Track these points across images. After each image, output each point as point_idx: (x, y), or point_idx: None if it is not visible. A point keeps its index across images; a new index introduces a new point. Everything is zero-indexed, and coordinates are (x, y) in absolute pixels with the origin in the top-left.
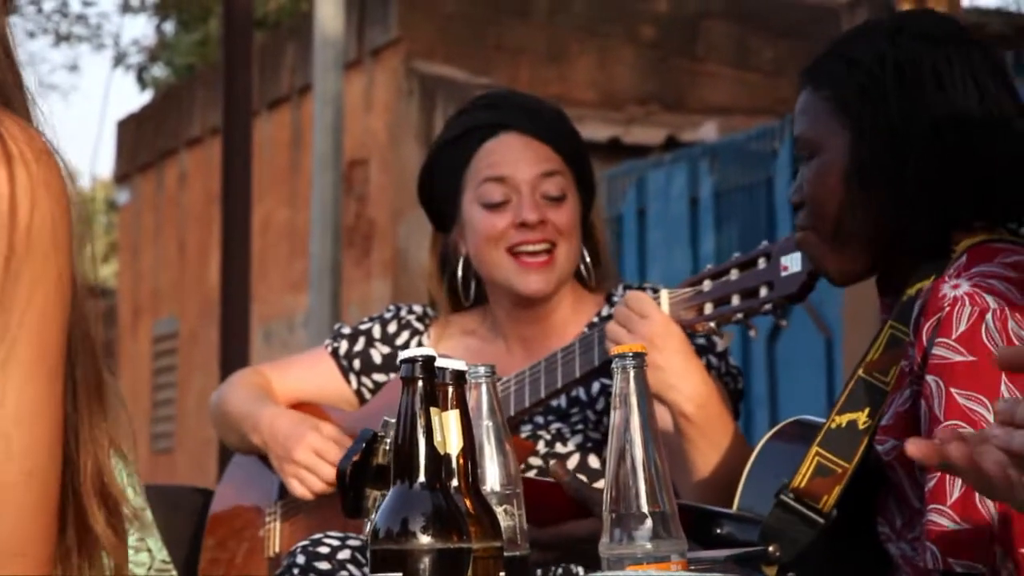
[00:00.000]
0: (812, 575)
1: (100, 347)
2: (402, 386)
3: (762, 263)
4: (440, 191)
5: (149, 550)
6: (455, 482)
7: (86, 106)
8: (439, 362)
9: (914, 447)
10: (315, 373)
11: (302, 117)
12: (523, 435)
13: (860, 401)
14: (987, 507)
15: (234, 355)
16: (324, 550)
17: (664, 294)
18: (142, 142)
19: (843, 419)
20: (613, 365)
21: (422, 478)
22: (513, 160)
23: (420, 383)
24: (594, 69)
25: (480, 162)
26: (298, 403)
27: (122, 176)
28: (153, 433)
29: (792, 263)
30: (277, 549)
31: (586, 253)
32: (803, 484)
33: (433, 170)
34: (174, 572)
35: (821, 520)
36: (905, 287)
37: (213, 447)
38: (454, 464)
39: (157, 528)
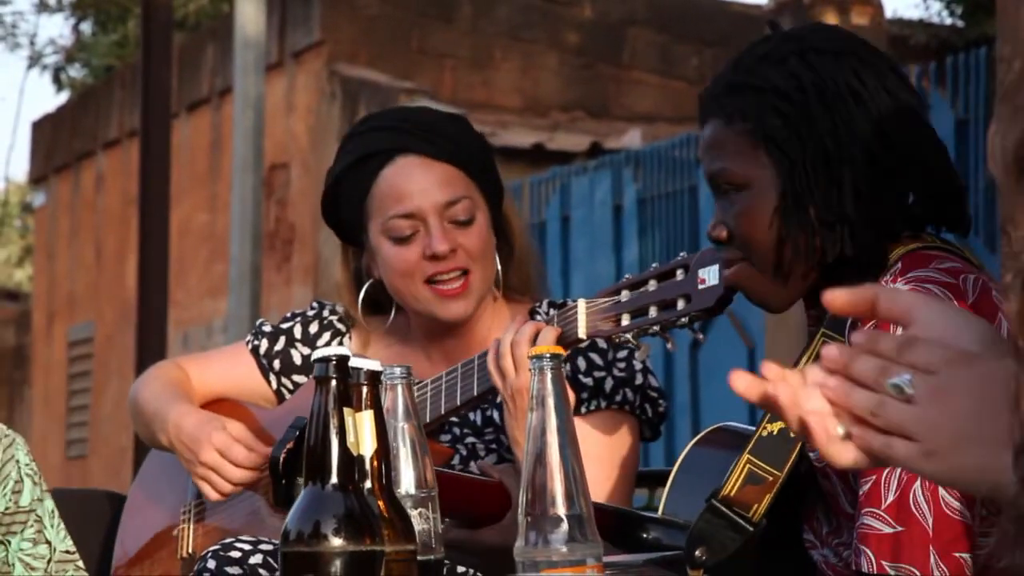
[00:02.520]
0: None
1: None
2: (315, 386)
3: (680, 274)
4: (345, 217)
5: (48, 542)
6: (368, 484)
7: (1, 107)
8: (354, 362)
9: (740, 382)
10: (235, 369)
11: (222, 119)
12: (442, 443)
13: None
14: (921, 511)
15: (151, 360)
16: (235, 554)
17: (581, 304)
18: (58, 144)
19: (774, 427)
20: (531, 367)
21: (334, 479)
22: (415, 190)
23: (333, 383)
24: (518, 75)
25: (382, 192)
26: (217, 398)
27: (38, 178)
28: (68, 439)
29: (710, 276)
30: (190, 549)
31: (498, 260)
32: (733, 492)
33: (335, 196)
34: (79, 561)
35: (750, 528)
36: None
37: (128, 453)
38: (368, 466)
39: (66, 527)
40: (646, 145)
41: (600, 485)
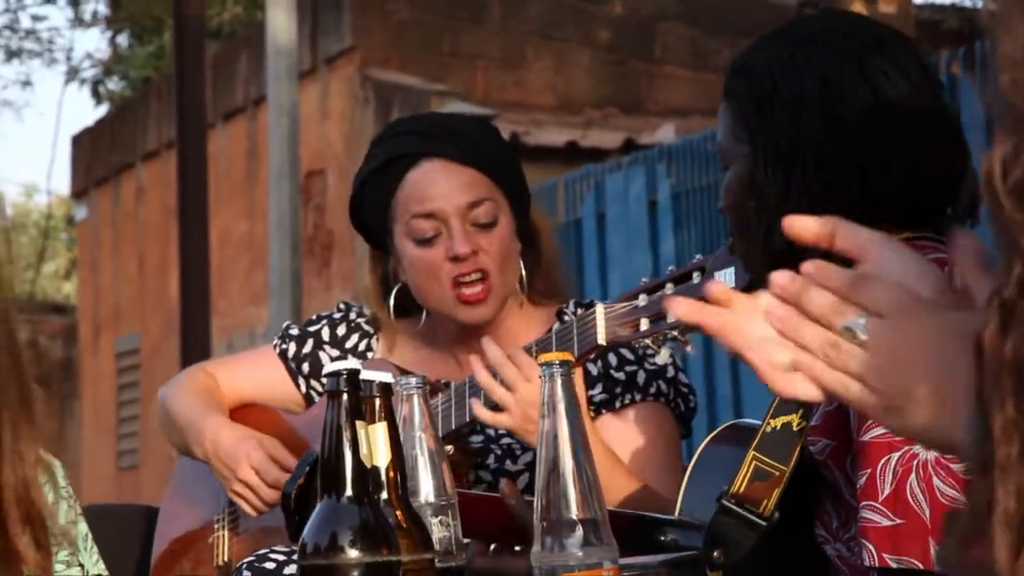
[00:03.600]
0: None
1: (30, 363)
2: (327, 400)
3: (696, 277)
4: (371, 222)
5: (81, 565)
6: (384, 495)
7: (40, 122)
8: (365, 375)
9: (678, 307)
10: (263, 374)
11: (257, 128)
12: (476, 445)
13: (792, 403)
14: (918, 502)
15: None
16: (270, 566)
17: (599, 309)
18: (98, 157)
19: (778, 422)
20: (541, 374)
21: (349, 492)
22: (438, 192)
23: (345, 396)
24: (550, 74)
25: (406, 195)
26: (246, 403)
27: (79, 192)
28: (119, 450)
29: (726, 278)
30: (226, 557)
31: (522, 265)
32: (742, 489)
33: (361, 200)
34: None
35: (763, 523)
36: None
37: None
38: (383, 477)
39: (98, 546)
40: (679, 139)
41: (650, 476)
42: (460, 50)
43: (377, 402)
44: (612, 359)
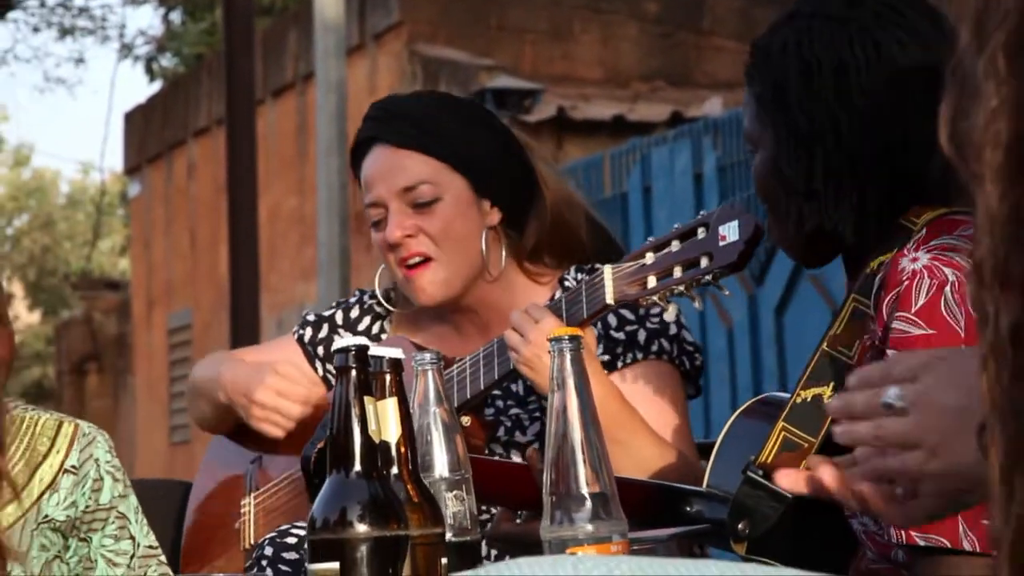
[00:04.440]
0: (779, 550)
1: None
2: (336, 376)
3: (701, 232)
4: None
5: (132, 537)
6: (395, 470)
7: (93, 100)
8: (375, 351)
9: (786, 481)
10: (285, 358)
11: (307, 104)
12: (488, 418)
13: (825, 375)
14: (952, 312)
15: (246, 345)
16: (291, 540)
17: (607, 269)
18: (150, 134)
19: (808, 393)
20: (550, 349)
21: (358, 467)
22: (378, 178)
23: (353, 372)
24: (598, 47)
25: (362, 181)
26: None
27: (132, 168)
28: (171, 425)
29: (730, 232)
30: (252, 540)
31: (486, 238)
32: (770, 459)
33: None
34: (162, 556)
35: (788, 496)
36: (867, 258)
37: None
38: (394, 452)
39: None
40: (726, 112)
41: (658, 433)
42: (507, 24)
43: (387, 378)
44: (612, 319)
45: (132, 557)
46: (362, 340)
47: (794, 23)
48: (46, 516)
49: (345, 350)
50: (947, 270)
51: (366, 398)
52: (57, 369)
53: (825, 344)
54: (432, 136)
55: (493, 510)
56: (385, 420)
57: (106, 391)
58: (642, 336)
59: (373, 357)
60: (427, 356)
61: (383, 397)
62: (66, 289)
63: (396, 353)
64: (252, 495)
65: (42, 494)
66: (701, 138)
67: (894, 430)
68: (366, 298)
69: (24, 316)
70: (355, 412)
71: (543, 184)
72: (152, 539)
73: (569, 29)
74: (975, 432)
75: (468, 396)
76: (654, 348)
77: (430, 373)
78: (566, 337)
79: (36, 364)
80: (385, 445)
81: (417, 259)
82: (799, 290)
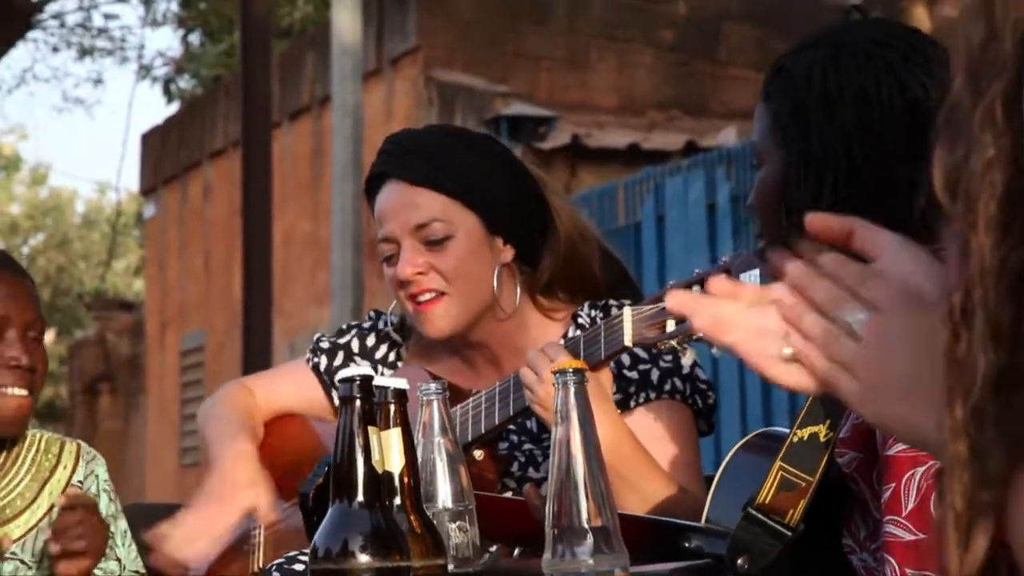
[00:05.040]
0: None
1: None
2: (340, 406)
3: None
4: None
5: (118, 559)
6: (398, 500)
7: (111, 120)
8: (379, 381)
9: (672, 299)
10: (299, 387)
11: (323, 128)
12: (502, 452)
13: (820, 414)
14: None
15: (258, 368)
16: (299, 567)
17: (627, 311)
18: (166, 155)
19: (804, 432)
20: (554, 382)
21: (360, 497)
22: (391, 215)
23: (358, 402)
24: (614, 75)
25: (376, 216)
26: (283, 414)
27: (148, 189)
28: (182, 447)
29: (751, 280)
30: (261, 565)
31: (497, 276)
32: (768, 499)
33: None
34: None
35: (788, 533)
36: None
37: None
38: (397, 482)
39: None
40: (740, 142)
41: (669, 473)
42: (524, 51)
43: (391, 408)
44: (625, 358)
45: None
46: (366, 370)
47: (820, 50)
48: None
49: (349, 380)
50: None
51: (370, 428)
52: (70, 389)
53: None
54: (445, 172)
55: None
56: (389, 450)
57: (118, 412)
58: (655, 375)
59: (377, 387)
60: (432, 386)
61: (387, 427)
62: (80, 309)
63: (400, 383)
64: None
65: (52, 506)
66: (715, 168)
67: (841, 351)
68: (381, 324)
69: None
70: (359, 442)
71: (557, 218)
72: (139, 565)
73: (585, 57)
74: (926, 403)
75: (483, 431)
76: (667, 387)
77: (435, 403)
78: (571, 370)
79: (49, 383)
80: (388, 475)
81: (428, 295)
82: None
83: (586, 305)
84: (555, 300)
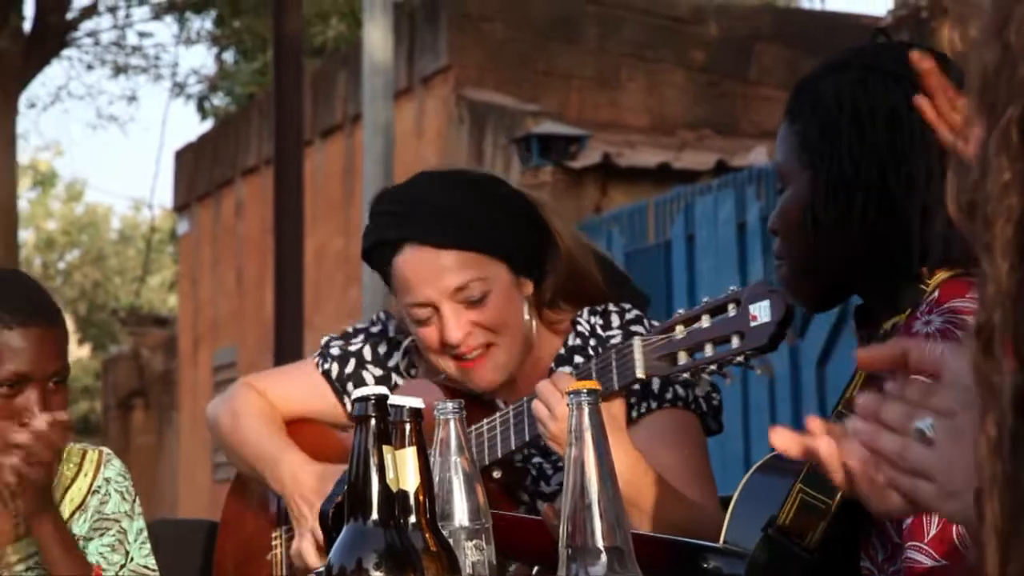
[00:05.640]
0: None
1: None
2: (355, 425)
3: (732, 310)
4: (384, 283)
5: (127, 552)
6: (413, 518)
7: (145, 137)
8: (395, 400)
9: (778, 439)
10: (312, 393)
11: (355, 146)
12: (516, 464)
13: None
14: (964, 544)
15: None
16: None
17: (637, 343)
18: (199, 172)
19: None
20: (568, 403)
21: (375, 515)
22: (424, 281)
23: (373, 422)
24: (645, 94)
25: (396, 280)
26: (299, 420)
27: (181, 206)
28: (215, 463)
29: (761, 312)
30: (283, 572)
31: (526, 311)
32: (787, 521)
33: (370, 263)
34: None
35: (807, 555)
36: (880, 320)
37: None
38: (412, 501)
39: (161, 557)
40: (770, 162)
41: (680, 486)
42: (555, 70)
43: (407, 427)
44: None
45: (121, 567)
46: (382, 389)
47: (848, 72)
48: (74, 536)
49: (364, 399)
50: (961, 335)
51: (385, 447)
52: (104, 404)
53: (840, 406)
54: (465, 229)
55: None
56: (404, 469)
57: (151, 427)
58: (656, 384)
59: (393, 406)
60: (449, 405)
61: (402, 446)
62: (115, 324)
63: (416, 403)
64: (283, 527)
65: (72, 514)
66: (745, 187)
67: (917, 458)
68: (391, 330)
69: (74, 350)
70: (373, 461)
71: (558, 237)
72: (152, 563)
73: (616, 76)
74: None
75: (499, 455)
76: (668, 396)
77: (452, 422)
78: (584, 391)
79: (84, 398)
80: (403, 494)
81: (476, 352)
82: (841, 343)
83: (585, 311)
84: (558, 311)
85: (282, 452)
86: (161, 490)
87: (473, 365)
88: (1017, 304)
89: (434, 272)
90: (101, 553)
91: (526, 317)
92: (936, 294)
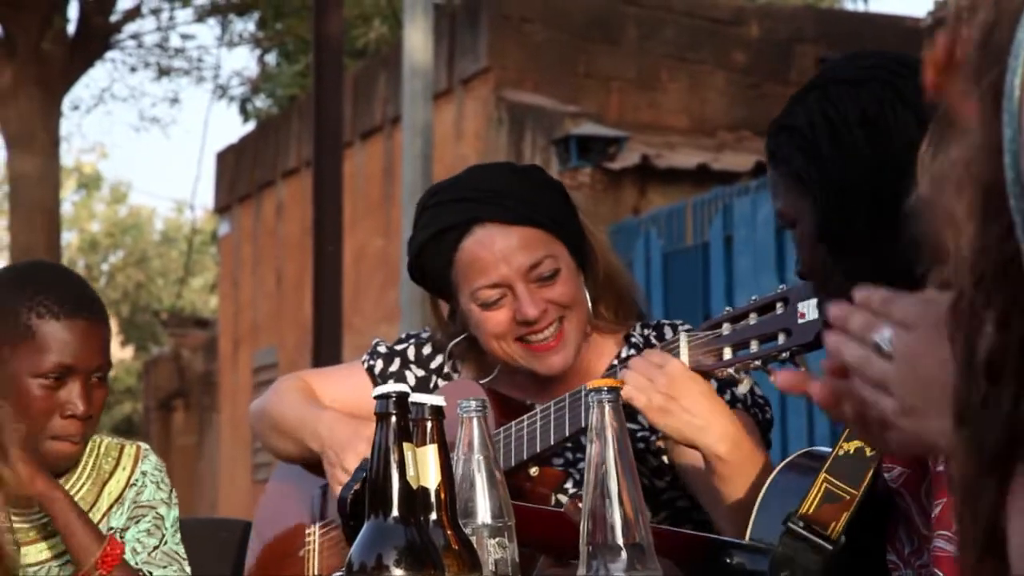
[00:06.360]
0: None
1: None
2: (376, 422)
3: (780, 308)
4: (433, 286)
5: (162, 536)
6: (434, 515)
7: (187, 139)
8: (416, 398)
9: (780, 378)
10: (354, 388)
11: (394, 147)
12: (556, 467)
13: None
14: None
15: None
16: None
17: (683, 338)
18: (241, 174)
19: (851, 446)
20: (588, 400)
21: (395, 512)
22: (497, 259)
23: (393, 419)
24: (685, 96)
25: (464, 264)
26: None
27: (222, 208)
28: (255, 463)
29: (809, 310)
30: (316, 571)
31: (588, 297)
32: (811, 510)
33: (420, 267)
34: (187, 568)
35: (829, 546)
36: None
37: None
38: (433, 498)
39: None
40: None
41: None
42: (595, 71)
43: (428, 424)
44: None
45: (155, 549)
46: (402, 387)
47: (809, 95)
48: (111, 528)
49: (385, 396)
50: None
51: (405, 444)
52: (145, 405)
53: None
54: (541, 209)
55: None
56: (425, 466)
57: (192, 428)
58: (714, 386)
59: (414, 404)
60: (472, 403)
61: (423, 444)
62: (157, 325)
63: (437, 400)
64: (317, 524)
65: (110, 507)
66: None
67: (875, 371)
68: (439, 335)
69: (117, 352)
70: (394, 458)
71: (593, 240)
72: (182, 551)
73: (656, 78)
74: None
75: (538, 450)
76: (727, 398)
77: (475, 420)
78: (605, 388)
79: (126, 399)
80: (424, 491)
81: (550, 330)
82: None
83: (638, 325)
84: (601, 319)
85: (320, 412)
86: (201, 491)
87: (544, 348)
88: (982, 267)
89: (508, 250)
90: (138, 539)
91: (588, 304)
92: None
